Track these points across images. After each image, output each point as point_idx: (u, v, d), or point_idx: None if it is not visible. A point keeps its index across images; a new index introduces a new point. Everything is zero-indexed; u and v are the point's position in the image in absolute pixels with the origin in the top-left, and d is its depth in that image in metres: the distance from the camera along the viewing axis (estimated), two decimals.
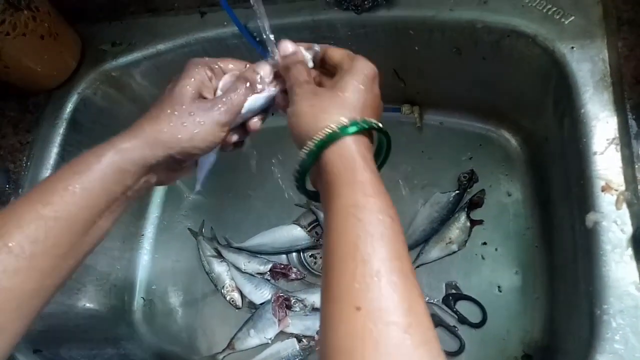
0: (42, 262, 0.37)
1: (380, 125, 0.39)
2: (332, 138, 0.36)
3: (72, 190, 0.37)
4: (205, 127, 0.41)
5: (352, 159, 0.36)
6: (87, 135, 0.77)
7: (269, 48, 0.45)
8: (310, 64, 0.45)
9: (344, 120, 0.37)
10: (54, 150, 0.71)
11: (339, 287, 0.32)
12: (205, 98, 0.44)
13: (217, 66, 0.46)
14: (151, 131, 0.40)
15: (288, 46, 0.44)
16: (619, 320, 0.46)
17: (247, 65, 0.47)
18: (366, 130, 0.38)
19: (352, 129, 0.37)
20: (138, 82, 0.80)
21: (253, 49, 0.69)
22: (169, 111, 0.41)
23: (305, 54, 0.45)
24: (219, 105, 0.42)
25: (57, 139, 0.72)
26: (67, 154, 0.73)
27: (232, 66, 0.47)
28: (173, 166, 0.43)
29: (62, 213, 0.37)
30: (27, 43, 0.66)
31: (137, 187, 0.41)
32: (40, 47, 0.69)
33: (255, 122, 0.47)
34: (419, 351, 0.29)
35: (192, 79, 0.43)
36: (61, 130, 0.73)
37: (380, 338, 0.28)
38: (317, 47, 0.45)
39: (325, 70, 0.46)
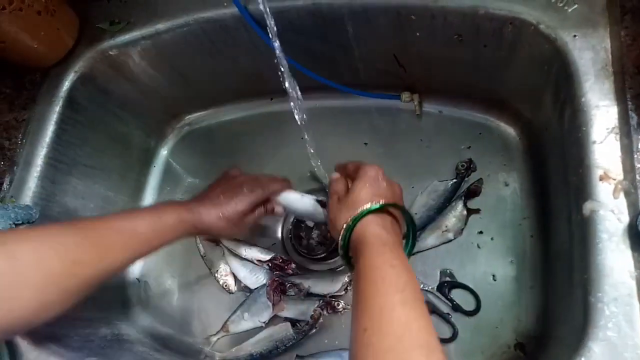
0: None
1: (382, 202, 0.53)
2: (349, 229, 0.52)
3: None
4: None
5: (365, 238, 0.50)
6: (84, 114, 0.76)
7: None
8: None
9: (349, 218, 0.53)
10: (50, 128, 0.71)
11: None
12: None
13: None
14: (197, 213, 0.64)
15: (334, 176, 0.62)
16: (613, 308, 0.46)
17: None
18: (378, 211, 0.53)
19: (362, 218, 0.52)
20: (136, 62, 0.79)
21: (254, 31, 0.68)
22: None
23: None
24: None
25: (54, 117, 0.71)
26: (63, 133, 0.72)
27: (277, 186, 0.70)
28: None
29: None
30: (23, 18, 0.65)
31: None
32: (36, 23, 0.68)
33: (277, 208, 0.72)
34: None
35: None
36: (57, 108, 0.72)
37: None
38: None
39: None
